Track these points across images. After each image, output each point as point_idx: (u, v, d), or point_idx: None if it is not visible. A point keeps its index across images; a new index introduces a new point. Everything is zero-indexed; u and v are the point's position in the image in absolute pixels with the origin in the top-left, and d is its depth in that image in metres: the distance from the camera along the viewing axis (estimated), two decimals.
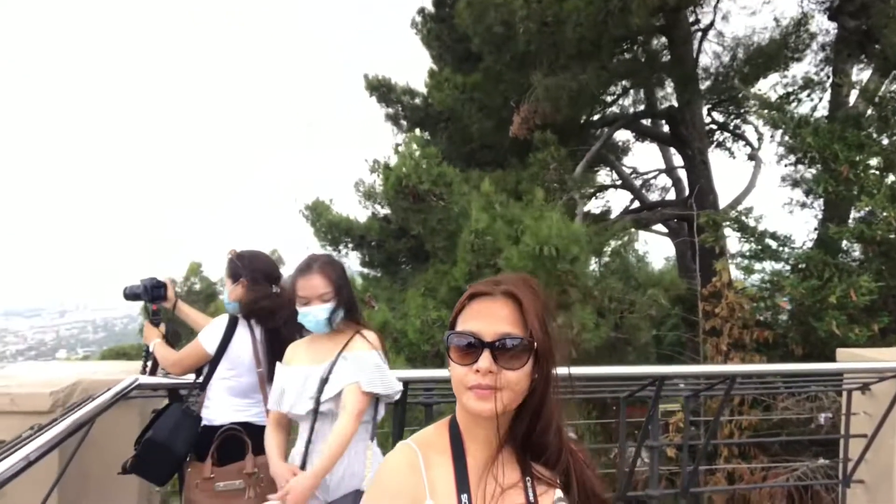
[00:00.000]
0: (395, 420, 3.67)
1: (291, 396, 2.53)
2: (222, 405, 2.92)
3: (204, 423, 2.90)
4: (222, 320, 2.96)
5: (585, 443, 5.46)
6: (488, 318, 1.20)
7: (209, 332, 2.93)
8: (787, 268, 6.68)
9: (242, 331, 2.95)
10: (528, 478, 1.27)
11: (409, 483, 1.20)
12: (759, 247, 6.73)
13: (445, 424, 1.32)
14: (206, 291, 20.58)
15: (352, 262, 12.42)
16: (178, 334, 3.40)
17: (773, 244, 6.90)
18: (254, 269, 3.04)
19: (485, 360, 1.17)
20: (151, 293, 3.31)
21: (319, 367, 2.54)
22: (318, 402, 2.47)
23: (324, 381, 2.49)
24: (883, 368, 4.06)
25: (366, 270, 12.54)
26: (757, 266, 6.76)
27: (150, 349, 3.21)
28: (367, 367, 2.53)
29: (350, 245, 12.40)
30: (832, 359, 5.52)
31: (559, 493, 1.27)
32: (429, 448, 1.26)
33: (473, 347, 1.18)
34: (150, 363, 3.26)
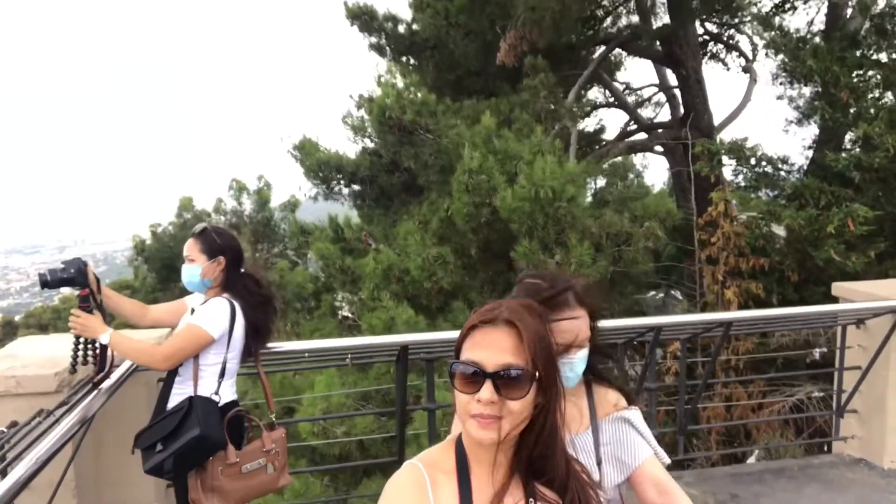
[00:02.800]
0: (398, 378, 3.74)
1: None
2: (212, 385, 2.90)
3: None
4: (223, 304, 2.86)
5: None
6: (490, 348, 1.21)
7: (213, 317, 2.81)
8: (784, 194, 6.63)
9: (238, 313, 2.93)
10: (531, 499, 1.29)
11: (416, 501, 1.23)
12: (755, 177, 6.68)
13: (451, 445, 1.35)
14: (194, 224, 20.51)
15: (345, 199, 12.27)
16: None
17: (769, 169, 6.84)
18: (234, 248, 2.97)
19: (486, 390, 1.19)
20: (79, 276, 2.76)
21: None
22: None
23: None
24: (878, 307, 4.10)
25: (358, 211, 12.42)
26: (753, 195, 6.72)
27: (100, 343, 2.82)
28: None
29: (342, 182, 12.24)
30: (828, 284, 5.56)
31: None
32: (435, 468, 1.29)
33: (476, 377, 1.20)
34: (90, 359, 2.88)
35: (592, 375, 1.81)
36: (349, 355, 3.46)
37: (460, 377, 1.23)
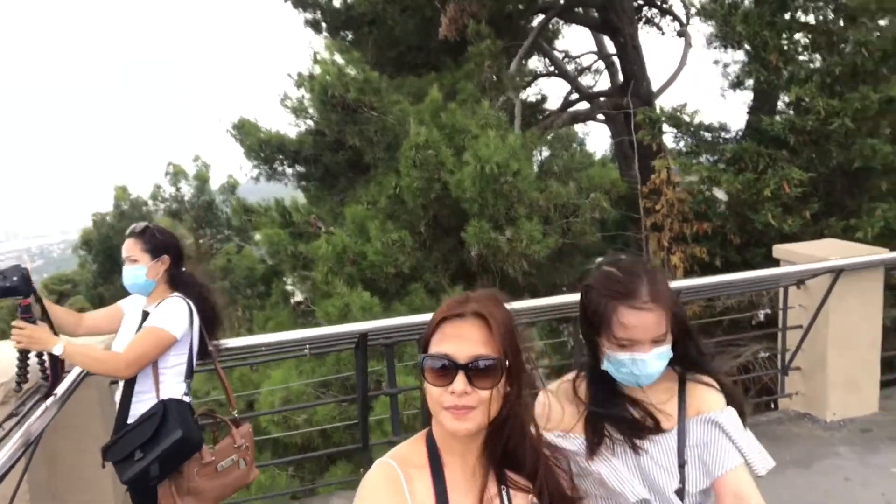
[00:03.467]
0: (358, 365, 3.72)
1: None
2: (179, 387, 2.82)
3: None
4: (181, 304, 2.76)
5: (543, 362, 5.67)
6: (460, 340, 1.23)
7: (173, 318, 2.71)
8: (724, 158, 6.79)
9: (194, 311, 2.85)
10: (503, 486, 1.31)
11: (391, 499, 1.24)
12: (696, 143, 6.83)
13: (421, 439, 1.35)
14: (133, 216, 19.88)
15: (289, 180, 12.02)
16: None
17: (709, 136, 7.01)
18: (176, 245, 2.88)
19: (459, 382, 1.20)
20: (22, 284, 2.52)
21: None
22: None
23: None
24: (816, 269, 4.27)
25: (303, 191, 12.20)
26: (694, 161, 6.88)
27: (50, 355, 2.64)
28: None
29: (285, 162, 11.98)
30: (768, 246, 5.75)
31: (534, 499, 1.32)
32: (407, 464, 1.30)
33: (448, 369, 1.21)
34: (39, 372, 2.71)
35: (685, 371, 1.66)
36: (307, 346, 3.41)
37: (431, 370, 1.24)
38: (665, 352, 1.53)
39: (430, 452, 1.32)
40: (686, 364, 1.65)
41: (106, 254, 16.32)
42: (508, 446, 1.31)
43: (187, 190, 17.91)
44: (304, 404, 6.51)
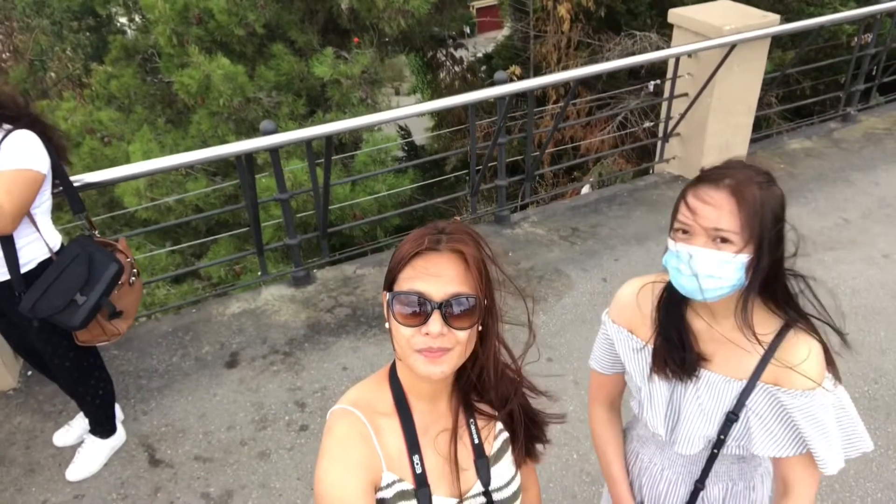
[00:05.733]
0: (244, 181, 3.40)
1: None
2: (49, 222, 2.56)
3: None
4: (30, 136, 2.33)
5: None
6: (436, 276, 1.10)
7: (33, 153, 2.32)
8: None
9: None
10: (471, 419, 1.28)
11: (364, 455, 1.17)
12: None
13: (385, 380, 1.26)
14: None
15: None
16: None
17: None
18: None
19: (435, 323, 1.09)
20: None
21: None
22: None
23: None
24: (712, 45, 4.20)
25: None
26: None
27: None
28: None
29: None
30: None
31: (500, 425, 1.30)
32: (373, 413, 1.21)
33: (420, 309, 1.09)
34: None
35: (790, 319, 1.33)
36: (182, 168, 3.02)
37: (402, 309, 1.11)
38: (731, 261, 1.21)
39: (396, 397, 1.22)
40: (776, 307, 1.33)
41: None
42: (478, 382, 1.24)
43: None
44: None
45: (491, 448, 1.28)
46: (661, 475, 1.57)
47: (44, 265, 2.49)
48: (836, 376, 1.36)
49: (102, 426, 2.95)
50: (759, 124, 5.55)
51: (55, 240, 2.55)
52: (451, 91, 9.57)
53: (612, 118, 5.91)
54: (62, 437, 3.07)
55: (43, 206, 2.48)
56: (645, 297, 1.45)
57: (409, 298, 1.09)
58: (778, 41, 6.36)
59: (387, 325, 1.15)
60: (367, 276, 4.17)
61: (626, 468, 1.65)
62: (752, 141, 5.35)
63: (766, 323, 1.33)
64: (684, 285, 1.28)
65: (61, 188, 2.59)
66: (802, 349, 1.30)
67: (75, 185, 2.66)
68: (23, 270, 2.43)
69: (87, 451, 2.95)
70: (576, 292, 3.95)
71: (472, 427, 1.26)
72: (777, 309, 1.33)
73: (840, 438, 1.32)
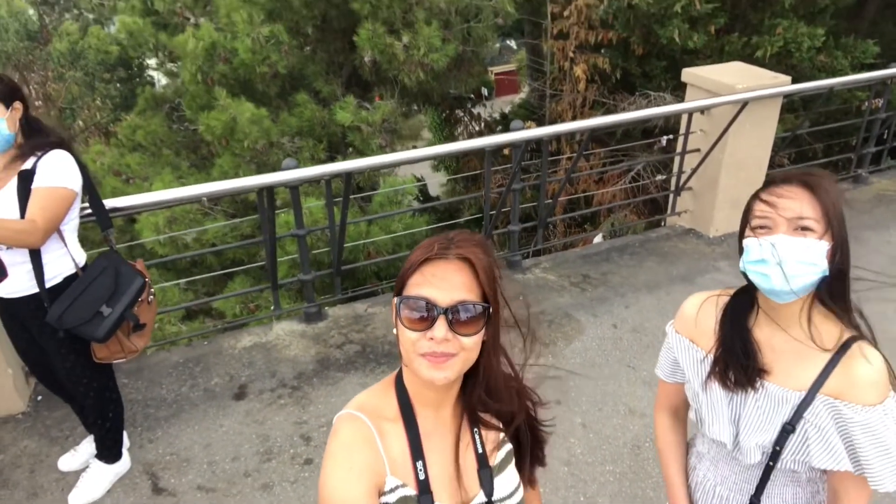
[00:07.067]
0: (263, 214, 3.48)
1: None
2: (78, 244, 2.65)
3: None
4: (65, 156, 2.45)
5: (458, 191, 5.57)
6: (443, 282, 1.13)
7: (67, 172, 2.43)
8: None
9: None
10: (475, 429, 1.28)
11: (368, 459, 1.18)
12: None
13: (391, 387, 1.27)
14: None
15: None
16: None
17: None
18: (20, 89, 2.48)
19: (440, 327, 1.11)
20: None
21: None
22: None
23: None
24: (724, 101, 4.31)
25: None
26: None
27: None
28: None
29: None
30: (669, 58, 5.68)
31: (502, 435, 1.31)
32: (379, 418, 1.23)
33: (428, 313, 1.12)
34: None
35: (854, 334, 1.33)
36: (204, 199, 3.11)
37: (409, 314, 1.13)
38: (815, 249, 1.23)
39: (402, 403, 1.24)
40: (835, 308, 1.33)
41: None
42: (483, 393, 1.26)
43: None
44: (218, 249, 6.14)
45: (494, 458, 1.28)
46: (714, 491, 1.58)
47: (69, 280, 2.55)
48: None
49: (109, 450, 2.95)
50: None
51: (81, 256, 2.62)
52: (471, 152, 9.77)
53: (625, 173, 6.00)
54: (68, 461, 3.07)
55: (72, 223, 2.57)
56: (707, 310, 1.48)
57: (416, 303, 1.12)
58: (790, 107, 6.49)
59: (394, 330, 1.17)
60: (378, 314, 4.19)
61: (686, 474, 1.66)
62: None
63: (831, 334, 1.33)
64: (769, 276, 1.27)
65: (89, 208, 2.68)
66: (867, 363, 1.30)
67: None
68: (49, 284, 2.50)
69: (91, 476, 2.95)
70: (586, 337, 3.95)
71: (477, 436, 1.27)
72: (842, 320, 1.33)
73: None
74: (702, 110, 4.60)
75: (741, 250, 1.34)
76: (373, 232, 5.96)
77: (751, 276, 1.33)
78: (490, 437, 1.29)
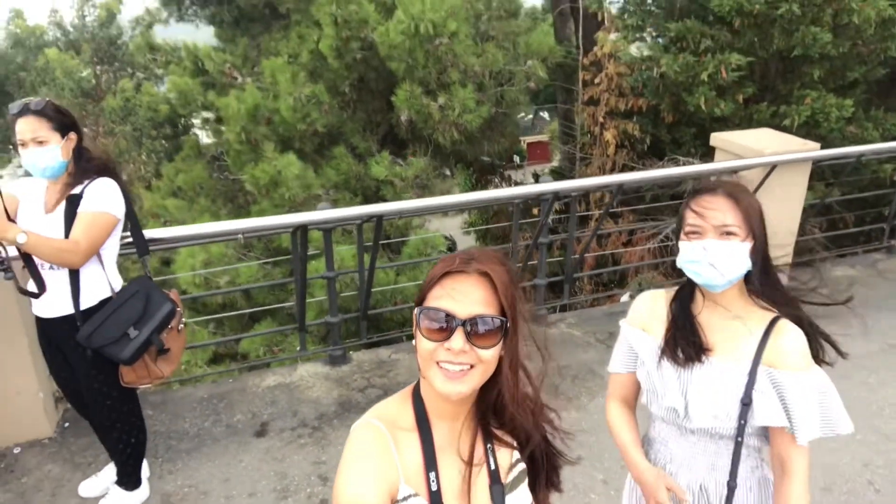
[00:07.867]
0: (296, 252, 3.57)
1: None
2: (116, 269, 2.76)
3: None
4: (112, 183, 2.59)
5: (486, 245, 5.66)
6: (462, 296, 1.16)
7: (112, 199, 2.57)
8: (668, 36, 6.62)
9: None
10: (489, 445, 1.29)
11: (383, 465, 1.20)
12: (641, 17, 6.59)
13: (408, 397, 1.30)
14: (28, 43, 17.78)
15: (202, 34, 10.92)
16: None
17: (655, 8, 6.77)
18: (77, 121, 2.63)
19: (458, 339, 1.14)
20: None
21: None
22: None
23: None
24: (753, 164, 4.36)
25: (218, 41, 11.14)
26: (638, 36, 6.67)
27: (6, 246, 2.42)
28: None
29: (195, 3, 10.83)
30: (699, 126, 5.76)
31: (516, 454, 1.32)
32: (395, 427, 1.25)
33: (446, 325, 1.15)
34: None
35: (780, 313, 1.59)
36: (241, 235, 3.22)
37: (428, 325, 1.17)
38: (739, 250, 1.52)
39: (418, 414, 1.26)
40: (766, 295, 1.60)
41: None
42: (498, 406, 1.28)
43: (91, 20, 16.04)
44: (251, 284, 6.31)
45: (507, 476, 1.29)
46: (665, 469, 1.75)
47: (104, 303, 2.64)
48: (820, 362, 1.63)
49: (129, 477, 2.98)
50: (801, 251, 5.59)
51: (118, 281, 2.72)
52: (500, 212, 9.92)
53: (654, 235, 6.03)
54: (88, 487, 3.10)
55: (112, 248, 2.68)
56: (658, 302, 1.74)
57: (435, 314, 1.15)
58: (820, 176, 6.52)
59: (413, 342, 1.21)
60: (402, 360, 4.22)
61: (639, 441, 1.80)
62: (794, 265, 5.37)
63: (760, 314, 1.60)
64: (703, 274, 1.55)
65: (129, 236, 2.80)
66: (790, 336, 1.56)
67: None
68: (84, 306, 2.58)
69: (110, 503, 2.97)
70: None
71: (490, 453, 1.28)
72: (769, 302, 1.61)
73: (818, 415, 1.54)
74: (731, 172, 4.65)
75: (678, 250, 1.61)
76: (401, 281, 6.04)
77: (687, 273, 1.60)
78: (504, 453, 1.30)
